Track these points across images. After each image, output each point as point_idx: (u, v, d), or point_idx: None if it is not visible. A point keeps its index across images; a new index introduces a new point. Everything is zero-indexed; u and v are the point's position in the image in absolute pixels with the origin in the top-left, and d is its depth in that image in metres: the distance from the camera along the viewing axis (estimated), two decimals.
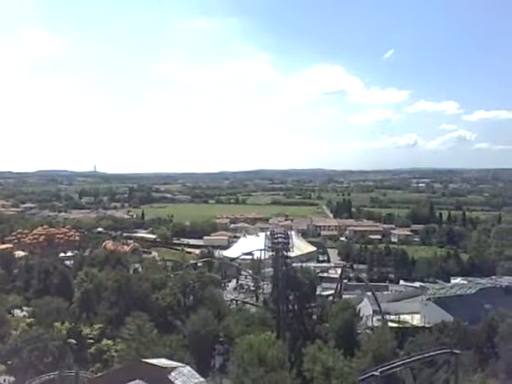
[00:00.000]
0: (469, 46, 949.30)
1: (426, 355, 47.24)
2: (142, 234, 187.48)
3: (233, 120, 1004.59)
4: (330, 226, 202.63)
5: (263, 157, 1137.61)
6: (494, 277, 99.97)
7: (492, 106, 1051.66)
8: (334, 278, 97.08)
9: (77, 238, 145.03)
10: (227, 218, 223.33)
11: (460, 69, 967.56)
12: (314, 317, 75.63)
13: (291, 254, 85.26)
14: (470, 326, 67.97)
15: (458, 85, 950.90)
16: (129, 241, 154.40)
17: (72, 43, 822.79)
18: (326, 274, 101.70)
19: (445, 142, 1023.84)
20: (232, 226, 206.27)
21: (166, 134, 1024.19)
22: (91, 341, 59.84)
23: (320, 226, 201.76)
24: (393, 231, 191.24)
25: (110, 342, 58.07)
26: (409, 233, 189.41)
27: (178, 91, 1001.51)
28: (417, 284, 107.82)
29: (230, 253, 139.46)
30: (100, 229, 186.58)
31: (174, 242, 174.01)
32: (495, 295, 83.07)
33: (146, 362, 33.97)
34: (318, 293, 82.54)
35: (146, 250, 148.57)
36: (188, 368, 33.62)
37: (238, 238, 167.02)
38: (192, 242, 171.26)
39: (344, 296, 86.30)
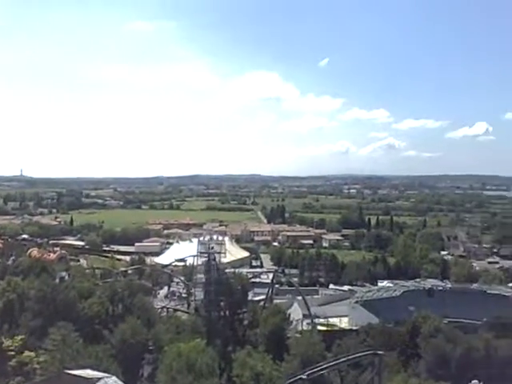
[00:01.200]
0: (399, 56, 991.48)
1: (351, 357, 48.53)
2: (70, 240, 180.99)
3: (168, 124, 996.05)
4: (263, 232, 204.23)
5: (199, 162, 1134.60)
6: (418, 279, 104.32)
7: (420, 116, 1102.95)
8: (266, 283, 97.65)
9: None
10: (160, 223, 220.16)
11: (390, 78, 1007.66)
12: (245, 322, 75.89)
13: (224, 260, 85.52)
14: (395, 328, 70.67)
15: (389, 94, 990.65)
16: (55, 248, 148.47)
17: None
18: (258, 279, 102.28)
19: (375, 149, 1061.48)
20: (165, 232, 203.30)
21: (97, 137, 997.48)
22: (12, 353, 57.03)
23: (254, 232, 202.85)
24: (324, 236, 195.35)
25: (32, 353, 55.55)
26: (339, 237, 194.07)
27: (112, 94, 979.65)
28: (346, 287, 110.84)
29: (163, 259, 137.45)
30: (25, 236, 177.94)
31: (104, 249, 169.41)
32: (419, 297, 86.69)
33: (70, 374, 32.95)
34: (249, 298, 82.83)
35: (73, 257, 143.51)
36: (114, 378, 32.95)
37: (171, 244, 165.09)
38: (123, 248, 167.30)
39: (275, 301, 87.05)
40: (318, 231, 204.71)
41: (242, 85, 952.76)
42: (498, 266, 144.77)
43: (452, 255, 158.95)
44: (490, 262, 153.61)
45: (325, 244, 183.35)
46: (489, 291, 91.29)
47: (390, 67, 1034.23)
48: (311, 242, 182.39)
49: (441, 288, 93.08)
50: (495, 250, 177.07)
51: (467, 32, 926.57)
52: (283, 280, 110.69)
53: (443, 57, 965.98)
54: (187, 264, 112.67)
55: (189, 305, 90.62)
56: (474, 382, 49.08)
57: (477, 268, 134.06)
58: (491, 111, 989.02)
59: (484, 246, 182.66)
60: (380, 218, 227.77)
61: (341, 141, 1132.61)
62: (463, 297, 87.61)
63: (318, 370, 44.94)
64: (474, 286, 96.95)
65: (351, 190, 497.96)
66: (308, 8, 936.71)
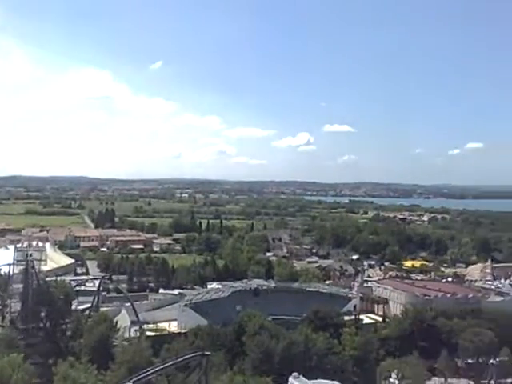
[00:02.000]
0: (230, 64, 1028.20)
1: (179, 360, 48.30)
2: None
3: None
4: (90, 237, 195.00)
5: (18, 162, 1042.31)
6: (245, 280, 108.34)
7: (250, 124, 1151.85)
8: (92, 290, 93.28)
9: None
10: None
11: (222, 86, 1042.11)
12: (69, 333, 71.76)
13: (45, 268, 79.90)
14: (223, 328, 72.41)
15: (221, 101, 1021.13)
16: None
17: None
18: (83, 287, 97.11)
19: (208, 154, 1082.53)
20: None
21: None
22: None
23: (80, 237, 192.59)
24: (155, 240, 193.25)
25: None
26: (171, 242, 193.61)
27: None
28: (176, 291, 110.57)
29: None
30: None
31: None
32: (245, 297, 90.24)
33: None
34: (73, 307, 78.74)
35: None
36: None
37: None
38: None
39: (102, 309, 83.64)
40: (148, 235, 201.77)
41: (69, 80, 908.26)
42: (316, 265, 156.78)
43: (276, 256, 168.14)
44: (309, 262, 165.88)
45: (156, 248, 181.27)
46: (308, 289, 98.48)
47: (222, 74, 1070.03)
48: (142, 246, 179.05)
49: (266, 287, 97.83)
50: (314, 251, 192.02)
51: (292, 46, 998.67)
52: (111, 287, 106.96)
53: (270, 68, 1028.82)
54: (2, 273, 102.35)
55: (3, 317, 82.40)
56: (294, 374, 52.09)
57: (298, 267, 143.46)
58: (312, 123, 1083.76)
59: (304, 246, 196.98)
60: (211, 221, 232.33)
61: (174, 144, 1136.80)
62: (286, 295, 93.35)
63: (145, 376, 43.85)
64: (296, 284, 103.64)
65: (183, 194, 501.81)
66: (142, 8, 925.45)
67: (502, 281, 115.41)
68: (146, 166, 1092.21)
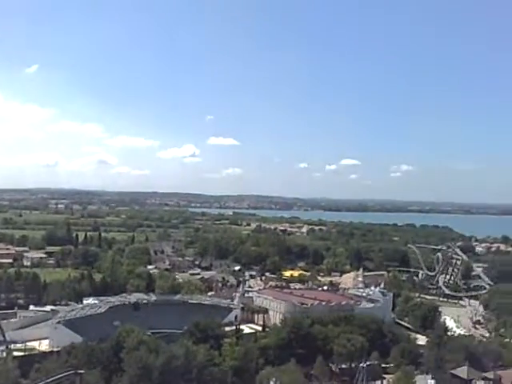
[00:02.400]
0: (113, 69, 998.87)
1: (49, 380, 45.54)
2: None
3: None
4: None
5: None
6: (124, 294, 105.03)
7: (133, 133, 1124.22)
8: None
9: None
10: None
11: (105, 92, 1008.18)
12: None
13: None
14: (99, 345, 69.38)
15: (103, 108, 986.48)
16: None
17: None
18: None
19: (86, 163, 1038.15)
20: None
21: None
22: None
23: None
24: (26, 254, 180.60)
25: None
26: (43, 255, 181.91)
27: None
28: (48, 308, 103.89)
29: None
30: None
31: None
32: (124, 312, 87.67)
33: None
34: None
35: None
36: None
37: None
38: None
39: None
40: (19, 249, 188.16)
41: None
42: (199, 276, 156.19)
43: (158, 269, 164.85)
44: (191, 274, 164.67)
45: (27, 263, 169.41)
46: (190, 301, 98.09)
47: (103, 80, 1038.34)
48: (11, 260, 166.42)
49: (146, 301, 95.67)
50: (197, 262, 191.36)
51: (179, 55, 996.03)
52: None
53: (156, 77, 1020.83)
54: None
55: None
56: None
57: (180, 280, 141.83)
58: (198, 135, 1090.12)
59: (187, 258, 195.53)
60: (89, 234, 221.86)
61: (49, 153, 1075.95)
62: (167, 308, 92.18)
63: None
64: (177, 296, 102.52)
65: (59, 205, 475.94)
66: (15, 7, 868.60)
67: (373, 288, 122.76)
68: (17, 175, 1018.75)
